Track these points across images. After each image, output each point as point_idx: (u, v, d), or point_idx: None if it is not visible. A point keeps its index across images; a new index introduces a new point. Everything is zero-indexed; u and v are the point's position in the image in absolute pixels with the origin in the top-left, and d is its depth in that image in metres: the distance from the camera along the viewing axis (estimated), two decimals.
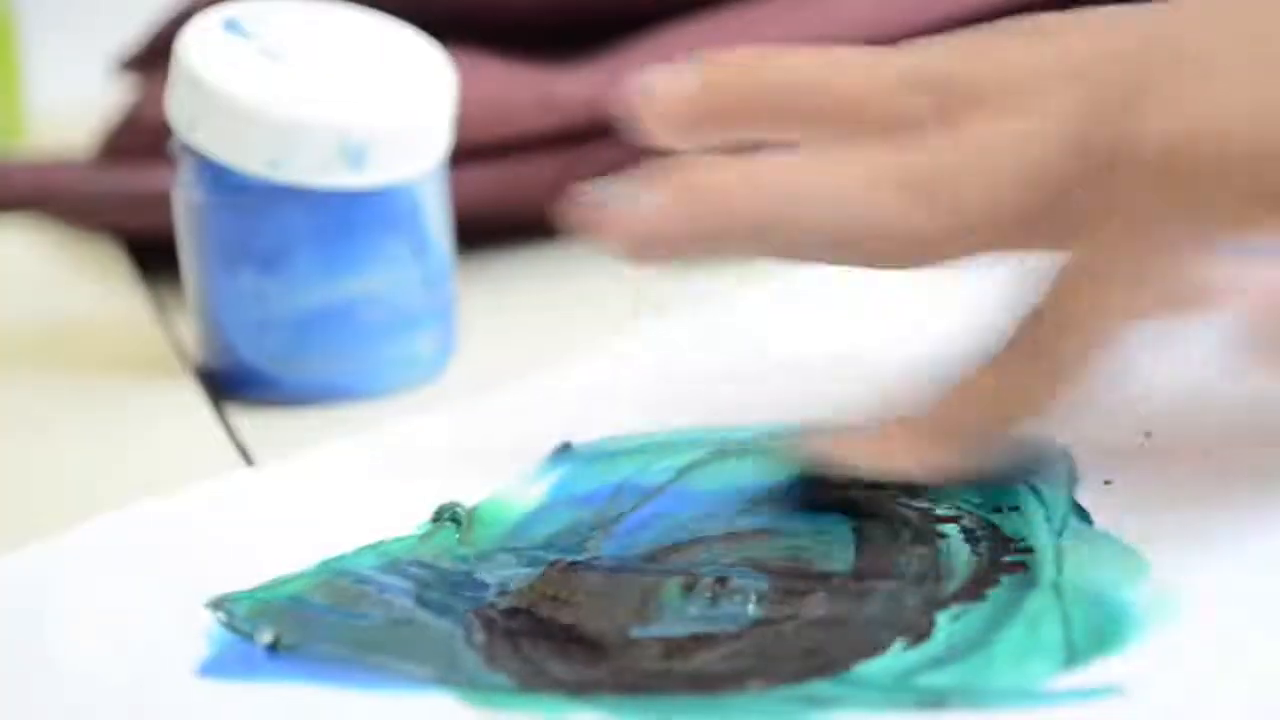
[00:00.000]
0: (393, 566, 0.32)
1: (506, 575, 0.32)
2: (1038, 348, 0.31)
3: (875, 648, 0.28)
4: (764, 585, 0.31)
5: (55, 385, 0.45)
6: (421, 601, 0.31)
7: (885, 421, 0.33)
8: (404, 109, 0.43)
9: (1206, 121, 0.29)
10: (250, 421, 0.42)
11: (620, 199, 0.33)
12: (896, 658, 0.28)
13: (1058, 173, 0.31)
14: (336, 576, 0.32)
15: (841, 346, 0.40)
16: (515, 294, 0.50)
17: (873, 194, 0.32)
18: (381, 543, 0.33)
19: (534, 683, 0.28)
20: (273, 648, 0.30)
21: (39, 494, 0.39)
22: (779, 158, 0.33)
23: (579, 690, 0.28)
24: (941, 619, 0.29)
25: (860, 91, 0.33)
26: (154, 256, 0.52)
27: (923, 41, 0.34)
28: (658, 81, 0.34)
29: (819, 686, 0.27)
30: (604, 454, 0.37)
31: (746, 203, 0.33)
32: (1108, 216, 0.30)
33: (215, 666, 0.29)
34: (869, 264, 0.33)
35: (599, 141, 0.51)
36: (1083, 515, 0.32)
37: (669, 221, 0.33)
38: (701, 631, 0.30)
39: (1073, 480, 0.33)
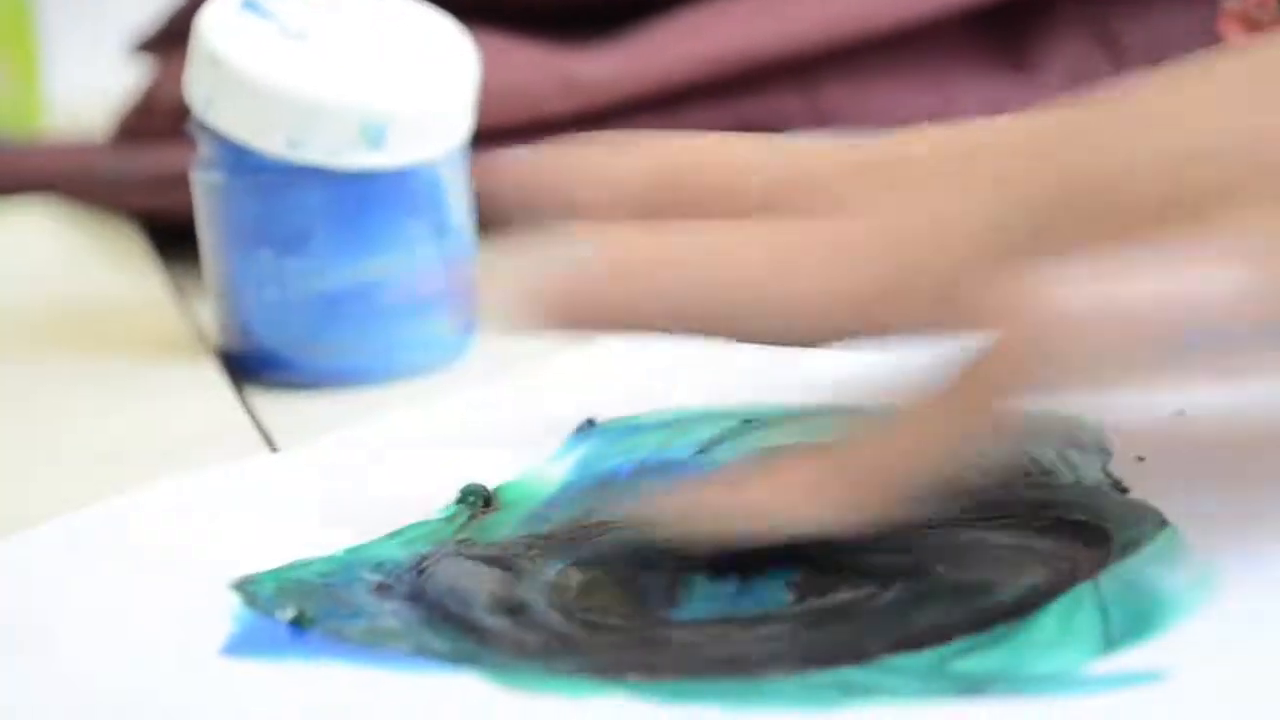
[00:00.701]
0: (418, 555, 0.32)
1: (534, 561, 0.32)
2: (977, 380, 0.28)
3: (908, 633, 0.28)
4: (795, 569, 0.30)
5: (75, 368, 0.45)
6: (446, 597, 0.31)
7: (775, 464, 0.30)
8: (425, 89, 0.42)
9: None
10: (271, 405, 0.42)
11: (539, 267, 0.31)
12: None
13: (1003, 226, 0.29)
14: (360, 565, 0.32)
15: None
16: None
17: (813, 257, 0.30)
18: (406, 529, 0.33)
19: (561, 665, 0.28)
20: (297, 624, 0.29)
21: (59, 476, 0.38)
22: (706, 229, 0.31)
23: (606, 672, 0.28)
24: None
25: (796, 174, 0.31)
26: (173, 239, 0.52)
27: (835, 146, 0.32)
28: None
29: (852, 673, 0.27)
30: (628, 429, 0.36)
31: (681, 272, 0.30)
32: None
33: (240, 645, 0.29)
34: (804, 338, 0.30)
35: (622, 124, 0.51)
36: (1118, 488, 0.32)
37: (596, 292, 0.30)
38: (731, 615, 0.29)
39: (1105, 455, 0.33)
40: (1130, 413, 0.33)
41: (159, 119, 0.54)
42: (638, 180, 0.32)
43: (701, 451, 0.35)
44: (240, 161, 0.42)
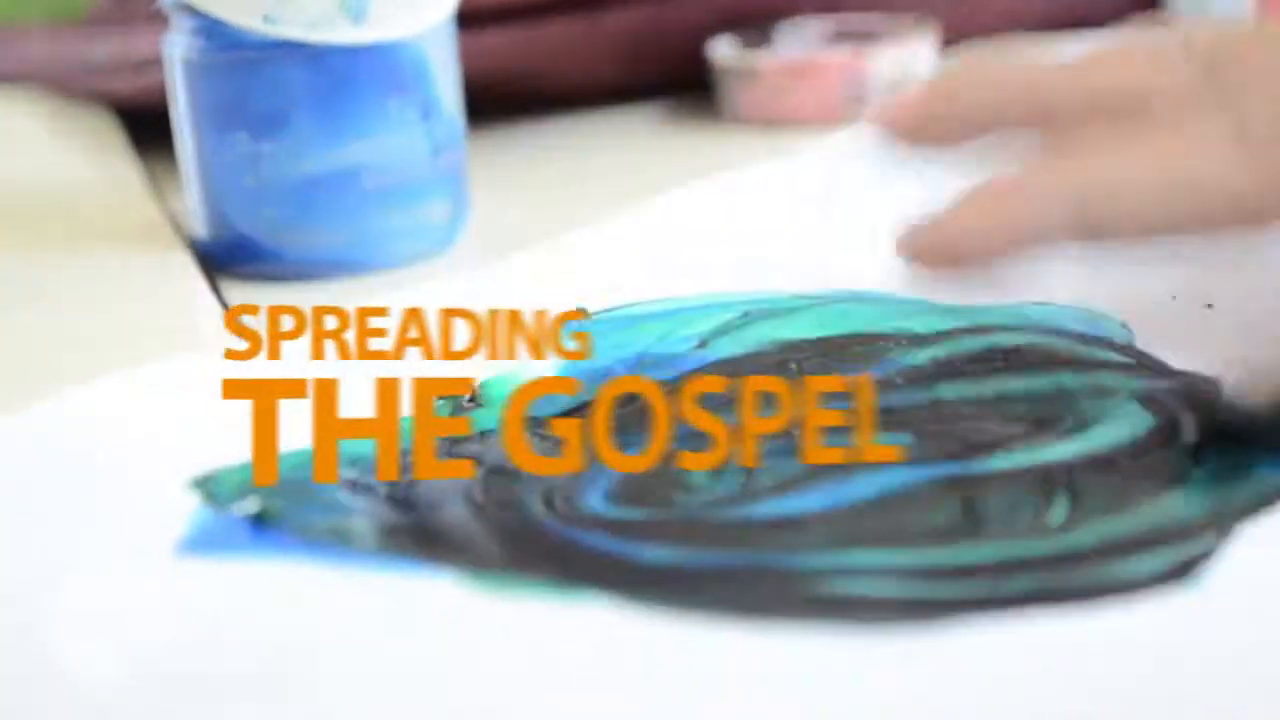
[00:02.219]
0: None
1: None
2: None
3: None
4: (793, 467, 0.28)
5: (45, 258, 0.43)
6: (419, 493, 0.28)
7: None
8: None
9: None
10: (247, 298, 0.40)
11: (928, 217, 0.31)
12: None
13: None
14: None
15: (856, 216, 0.37)
16: (528, 164, 0.47)
17: (1197, 157, 0.30)
18: None
19: (531, 567, 0.26)
20: (258, 520, 0.27)
21: (28, 367, 0.36)
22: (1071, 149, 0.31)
23: (588, 579, 0.25)
24: None
25: (1144, 83, 0.31)
26: (149, 129, 0.49)
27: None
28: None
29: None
30: (623, 322, 0.34)
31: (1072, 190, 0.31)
32: None
33: (195, 544, 0.27)
34: (1194, 227, 0.31)
35: (616, 6, 0.49)
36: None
37: (980, 229, 0.31)
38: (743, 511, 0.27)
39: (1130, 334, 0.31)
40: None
41: (138, 4, 0.52)
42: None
43: (702, 344, 0.33)
44: (214, 37, 0.40)
